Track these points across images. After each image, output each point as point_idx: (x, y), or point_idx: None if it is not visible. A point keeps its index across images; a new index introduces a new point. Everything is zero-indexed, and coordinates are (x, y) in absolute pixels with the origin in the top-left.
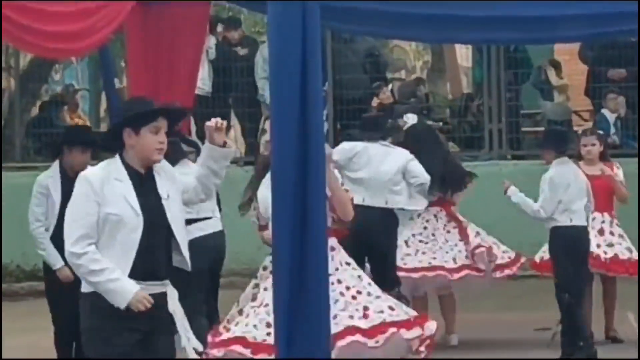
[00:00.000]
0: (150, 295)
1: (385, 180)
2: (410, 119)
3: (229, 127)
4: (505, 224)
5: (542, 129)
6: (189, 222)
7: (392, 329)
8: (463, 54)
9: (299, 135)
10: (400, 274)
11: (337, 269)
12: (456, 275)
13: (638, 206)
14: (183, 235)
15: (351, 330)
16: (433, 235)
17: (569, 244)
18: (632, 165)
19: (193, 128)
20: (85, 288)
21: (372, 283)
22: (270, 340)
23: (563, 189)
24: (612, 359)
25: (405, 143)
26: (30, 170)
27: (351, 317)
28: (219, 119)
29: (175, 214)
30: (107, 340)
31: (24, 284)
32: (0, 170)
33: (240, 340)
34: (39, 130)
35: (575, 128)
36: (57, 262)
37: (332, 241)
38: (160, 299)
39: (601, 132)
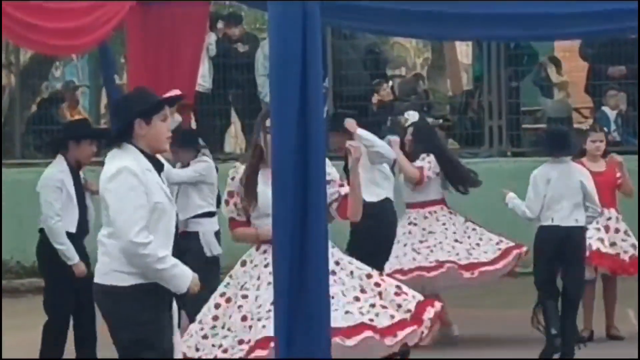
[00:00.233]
0: None
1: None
2: (411, 116)
3: (229, 124)
4: (505, 221)
5: (542, 126)
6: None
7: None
8: (463, 51)
9: (299, 132)
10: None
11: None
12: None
13: (638, 203)
14: None
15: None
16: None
17: (548, 243)
18: (632, 162)
19: (194, 125)
20: (126, 281)
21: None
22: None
23: (543, 186)
24: (611, 359)
25: (413, 140)
26: (30, 167)
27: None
28: None
29: None
30: (162, 332)
31: (24, 280)
32: (0, 167)
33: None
34: (39, 127)
35: (575, 125)
36: (74, 257)
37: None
38: None
39: (605, 129)
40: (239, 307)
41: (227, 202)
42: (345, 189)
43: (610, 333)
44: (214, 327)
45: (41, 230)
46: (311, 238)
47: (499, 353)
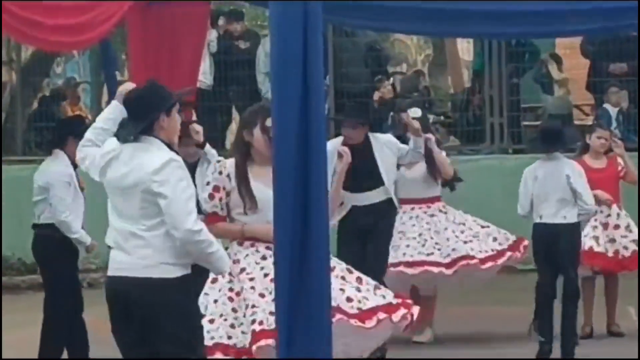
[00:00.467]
0: None
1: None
2: (414, 112)
3: (230, 121)
4: (506, 217)
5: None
6: None
7: (382, 314)
8: (464, 47)
9: (300, 130)
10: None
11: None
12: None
13: (638, 200)
14: None
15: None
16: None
17: (539, 241)
18: (633, 160)
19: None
20: (174, 273)
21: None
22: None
23: (531, 183)
24: (611, 358)
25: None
26: (31, 163)
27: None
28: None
29: None
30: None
31: (25, 277)
32: (1, 164)
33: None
34: (40, 124)
35: (576, 122)
36: (88, 238)
37: None
38: None
39: (613, 127)
40: (252, 288)
41: (211, 197)
42: None
43: (610, 330)
44: (236, 318)
45: (35, 227)
46: (312, 238)
47: (498, 351)
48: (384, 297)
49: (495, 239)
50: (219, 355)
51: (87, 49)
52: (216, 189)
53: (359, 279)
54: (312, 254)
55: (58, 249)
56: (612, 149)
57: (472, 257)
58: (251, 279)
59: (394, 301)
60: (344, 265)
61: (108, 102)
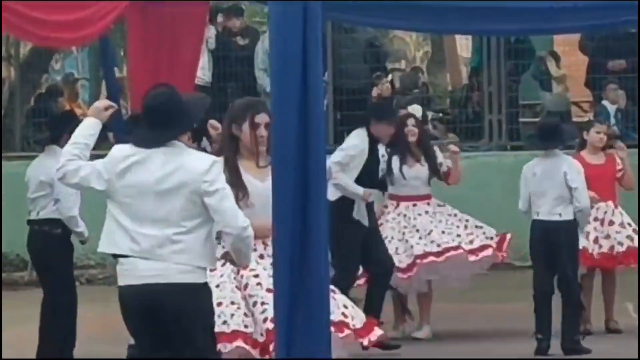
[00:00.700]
0: None
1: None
2: (415, 109)
3: None
4: (504, 214)
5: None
6: None
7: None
8: (463, 44)
9: (299, 127)
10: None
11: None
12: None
13: (638, 197)
14: None
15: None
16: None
17: (535, 238)
18: (632, 157)
19: None
20: (203, 278)
21: None
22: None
23: (529, 180)
24: (611, 358)
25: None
26: (30, 159)
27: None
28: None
29: None
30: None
31: (23, 273)
32: (0, 160)
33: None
34: (39, 120)
35: (574, 119)
36: (87, 232)
37: None
38: None
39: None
40: (258, 284)
41: None
42: None
43: (609, 326)
44: (248, 308)
45: (33, 222)
46: (312, 237)
47: (496, 347)
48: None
49: (478, 236)
50: (240, 342)
51: (86, 46)
52: None
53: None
54: (311, 253)
55: (57, 245)
56: (610, 146)
57: (459, 248)
58: (255, 276)
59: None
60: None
61: (108, 99)
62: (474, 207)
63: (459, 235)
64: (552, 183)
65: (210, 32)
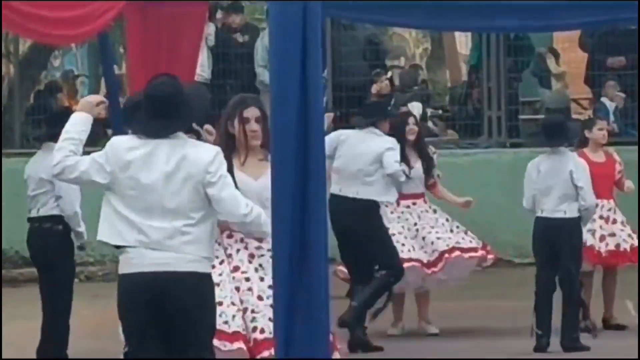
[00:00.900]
0: None
1: (355, 170)
2: (415, 107)
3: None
4: (503, 211)
5: (540, 116)
6: None
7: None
8: (462, 41)
9: (298, 122)
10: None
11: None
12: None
13: (638, 194)
14: None
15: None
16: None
17: (539, 235)
18: (631, 154)
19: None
20: (209, 268)
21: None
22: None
23: (534, 177)
24: (611, 358)
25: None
26: (29, 156)
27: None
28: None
29: None
30: None
31: (23, 270)
32: (0, 157)
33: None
34: (38, 117)
35: (574, 116)
36: (85, 235)
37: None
38: None
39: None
40: (249, 289)
41: None
42: None
43: (608, 324)
44: (244, 311)
45: (34, 220)
46: (311, 234)
47: (496, 344)
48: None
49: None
50: (241, 344)
51: (85, 43)
52: None
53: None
54: (311, 253)
55: (59, 241)
56: (608, 143)
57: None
58: (247, 279)
59: None
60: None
61: (107, 95)
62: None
63: (449, 238)
64: (558, 180)
65: (210, 29)
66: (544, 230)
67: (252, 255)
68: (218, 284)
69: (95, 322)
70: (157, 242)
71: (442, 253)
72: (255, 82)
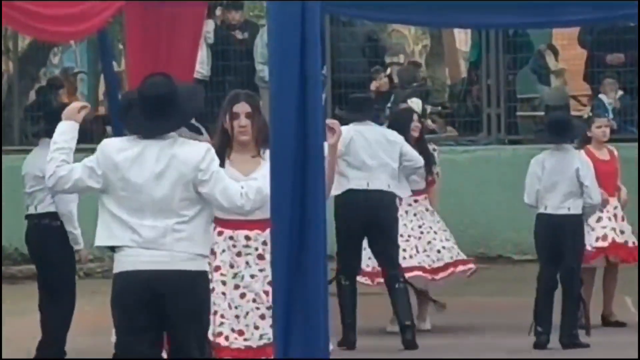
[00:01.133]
0: None
1: (386, 164)
2: (415, 103)
3: None
4: (503, 208)
5: (539, 113)
6: None
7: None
8: (462, 38)
9: (298, 119)
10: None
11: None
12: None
13: (638, 191)
14: None
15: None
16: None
17: (541, 231)
18: (630, 150)
19: None
20: (204, 266)
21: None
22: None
23: (538, 173)
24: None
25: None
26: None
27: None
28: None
29: None
30: None
31: (22, 266)
32: (0, 154)
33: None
34: (38, 114)
35: (573, 113)
36: (81, 242)
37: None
38: None
39: (611, 115)
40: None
41: None
42: None
43: (607, 321)
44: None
45: (32, 217)
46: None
47: (495, 341)
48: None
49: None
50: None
51: (84, 39)
52: None
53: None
54: (310, 253)
55: (58, 238)
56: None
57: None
58: (223, 283)
59: None
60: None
61: (106, 92)
62: (473, 200)
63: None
64: (563, 177)
65: (209, 25)
66: (548, 227)
67: (239, 254)
68: (213, 289)
69: (94, 318)
70: (150, 241)
71: (448, 265)
72: (254, 78)
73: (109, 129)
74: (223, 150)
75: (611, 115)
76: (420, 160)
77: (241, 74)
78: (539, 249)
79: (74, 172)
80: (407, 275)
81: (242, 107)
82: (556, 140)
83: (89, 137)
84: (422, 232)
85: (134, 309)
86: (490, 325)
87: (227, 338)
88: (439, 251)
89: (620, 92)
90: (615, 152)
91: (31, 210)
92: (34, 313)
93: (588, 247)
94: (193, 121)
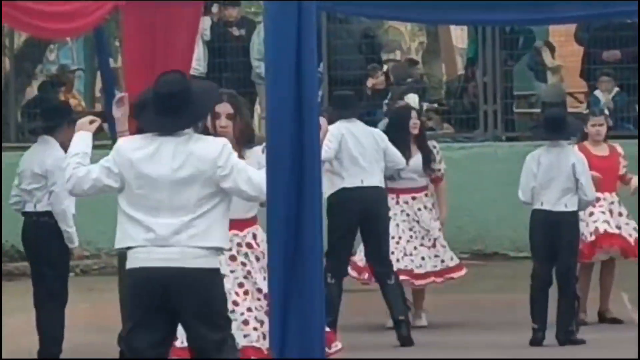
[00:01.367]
0: None
1: (377, 160)
2: (411, 99)
3: None
4: (500, 205)
5: (536, 110)
6: None
7: None
8: (458, 35)
9: (294, 117)
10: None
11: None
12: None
13: (638, 188)
14: None
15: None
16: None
17: (537, 227)
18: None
19: None
20: (215, 264)
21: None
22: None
23: (534, 169)
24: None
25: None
26: (25, 150)
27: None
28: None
29: None
30: None
31: (18, 263)
32: (1, 150)
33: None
34: (35, 111)
35: (570, 110)
36: (77, 240)
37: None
38: None
39: (607, 112)
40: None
41: None
42: None
43: (604, 317)
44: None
45: (31, 215)
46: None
47: (491, 338)
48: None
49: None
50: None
51: (80, 36)
52: None
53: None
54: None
55: (57, 236)
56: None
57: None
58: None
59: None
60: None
61: (103, 89)
62: (469, 197)
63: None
64: (559, 174)
65: (206, 22)
66: (544, 223)
67: (256, 258)
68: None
69: (91, 315)
70: (164, 239)
71: (429, 274)
72: (251, 75)
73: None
74: None
75: (606, 112)
76: (402, 162)
77: (238, 71)
78: (534, 246)
79: (91, 172)
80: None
81: (223, 108)
82: (552, 137)
83: None
84: (411, 237)
85: (144, 305)
86: (487, 322)
87: (182, 342)
88: (422, 258)
89: (616, 89)
90: (619, 149)
91: (29, 208)
92: (30, 310)
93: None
94: None
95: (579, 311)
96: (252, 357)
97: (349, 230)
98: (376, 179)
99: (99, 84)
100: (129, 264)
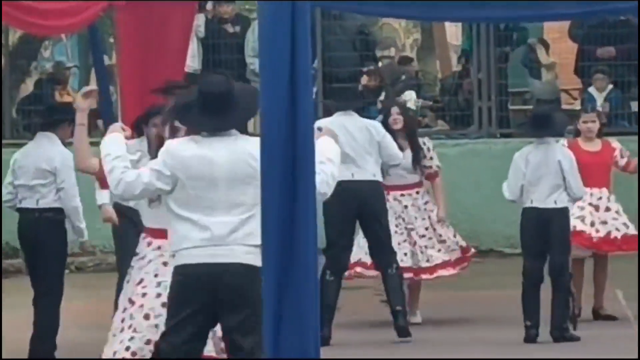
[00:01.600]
0: None
1: (369, 153)
2: (408, 95)
3: None
4: (494, 202)
5: (531, 107)
6: None
7: None
8: (452, 32)
9: (288, 113)
10: None
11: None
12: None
13: (638, 185)
14: None
15: None
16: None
17: (528, 225)
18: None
19: None
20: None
21: None
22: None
23: (522, 167)
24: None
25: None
26: (19, 147)
27: None
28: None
29: None
30: None
31: (14, 260)
32: (1, 147)
33: None
34: (29, 107)
35: (564, 106)
36: (86, 234)
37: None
38: None
39: (600, 109)
40: (140, 306)
41: None
42: None
43: (599, 313)
44: (122, 329)
45: (31, 211)
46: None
47: (484, 334)
48: None
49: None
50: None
51: (75, 33)
52: None
53: None
54: (299, 250)
55: (58, 232)
56: (605, 133)
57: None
58: (143, 295)
59: None
60: None
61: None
62: (464, 194)
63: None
64: (548, 171)
65: (200, 19)
66: (534, 220)
67: (165, 264)
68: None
69: (86, 312)
70: (221, 237)
71: (436, 267)
72: (245, 72)
73: (100, 123)
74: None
75: (599, 108)
76: (398, 158)
77: (232, 68)
78: (525, 244)
79: (141, 176)
80: None
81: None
82: (539, 133)
83: None
84: (395, 232)
85: (191, 301)
86: (482, 318)
87: (134, 353)
88: (405, 254)
89: (611, 86)
90: (614, 144)
91: (29, 204)
92: (25, 307)
93: None
94: None
95: (574, 307)
96: None
97: (345, 223)
98: (369, 173)
99: (93, 81)
100: (180, 261)
